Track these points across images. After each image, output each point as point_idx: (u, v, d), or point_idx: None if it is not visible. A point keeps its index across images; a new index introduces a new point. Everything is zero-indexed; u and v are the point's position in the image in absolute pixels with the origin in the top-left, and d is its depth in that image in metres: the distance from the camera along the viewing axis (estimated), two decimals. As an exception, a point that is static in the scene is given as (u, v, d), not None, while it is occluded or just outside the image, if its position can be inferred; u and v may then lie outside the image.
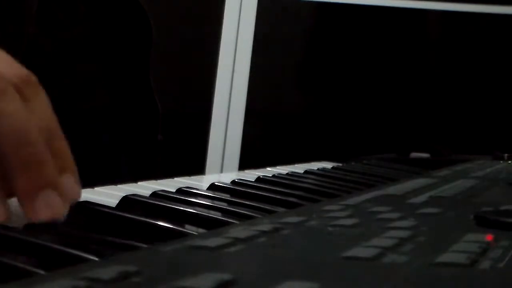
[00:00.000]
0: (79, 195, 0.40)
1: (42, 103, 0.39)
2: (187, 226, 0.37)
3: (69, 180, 0.39)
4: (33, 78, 0.40)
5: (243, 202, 0.45)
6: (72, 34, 0.69)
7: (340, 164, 0.82)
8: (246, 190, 0.51)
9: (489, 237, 0.29)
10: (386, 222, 0.34)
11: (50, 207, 0.36)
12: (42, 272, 0.26)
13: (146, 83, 0.76)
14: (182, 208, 0.40)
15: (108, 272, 0.21)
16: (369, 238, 0.29)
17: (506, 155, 0.93)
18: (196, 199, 0.45)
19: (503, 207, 0.40)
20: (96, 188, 0.46)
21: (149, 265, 0.24)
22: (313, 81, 1.97)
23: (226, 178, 0.56)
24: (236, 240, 0.28)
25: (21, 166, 0.36)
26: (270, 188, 0.53)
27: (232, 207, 0.43)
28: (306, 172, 0.68)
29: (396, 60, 1.89)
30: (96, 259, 0.28)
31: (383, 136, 1.81)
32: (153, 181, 0.52)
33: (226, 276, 0.21)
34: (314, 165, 0.77)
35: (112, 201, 0.42)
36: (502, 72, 1.81)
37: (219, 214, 0.40)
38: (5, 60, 0.40)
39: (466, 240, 0.29)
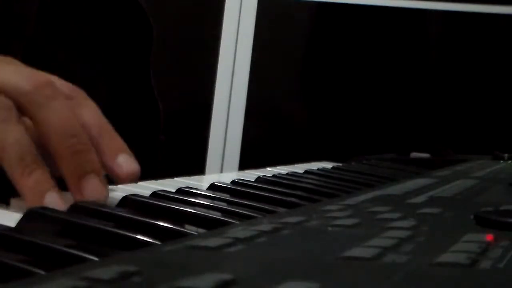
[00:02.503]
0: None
1: (91, 109, 0.45)
2: (187, 226, 0.36)
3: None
4: (81, 91, 0.46)
5: (243, 202, 0.45)
6: (73, 34, 0.69)
7: (340, 164, 0.82)
8: (246, 190, 0.51)
9: (489, 237, 0.29)
10: (386, 222, 0.34)
11: (95, 190, 0.42)
12: (42, 272, 0.26)
13: (147, 84, 0.76)
14: (182, 208, 0.40)
15: (108, 272, 0.21)
16: (369, 238, 0.29)
17: (506, 155, 0.93)
18: (196, 199, 0.45)
19: (503, 207, 0.40)
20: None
21: (149, 265, 0.24)
22: (313, 81, 1.97)
23: (226, 178, 0.56)
24: (236, 240, 0.28)
25: (68, 154, 0.42)
26: (270, 188, 0.53)
27: (232, 207, 0.43)
28: (306, 172, 0.68)
29: (396, 60, 1.89)
30: (96, 259, 0.28)
31: (383, 136, 1.81)
32: (153, 181, 0.52)
33: (226, 276, 0.21)
34: (314, 165, 0.77)
35: (112, 201, 0.42)
36: (502, 72, 1.81)
37: (219, 214, 0.40)
38: (55, 78, 0.46)
39: (466, 240, 0.29)
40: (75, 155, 0.42)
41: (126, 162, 0.45)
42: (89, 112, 0.45)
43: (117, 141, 0.46)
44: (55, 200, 0.40)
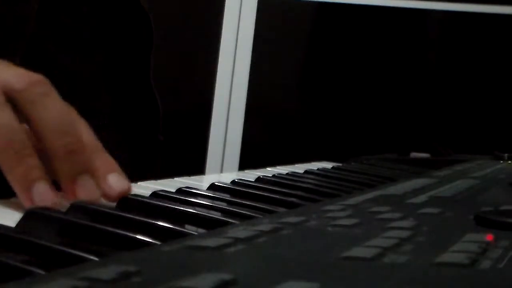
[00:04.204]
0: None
1: (53, 102, 0.43)
2: (187, 226, 0.36)
3: None
4: (42, 79, 0.43)
5: (243, 202, 0.45)
6: (73, 34, 0.69)
7: (340, 164, 0.82)
8: (246, 190, 0.51)
9: (489, 237, 0.29)
10: (386, 222, 0.34)
11: (87, 191, 0.41)
12: (42, 272, 0.26)
13: (147, 83, 0.76)
14: (182, 208, 0.40)
15: (108, 272, 0.21)
16: (369, 238, 0.29)
17: (506, 155, 0.93)
18: (196, 199, 0.45)
19: (503, 207, 0.40)
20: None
21: (149, 265, 0.24)
22: (313, 81, 1.97)
23: (226, 178, 0.56)
24: (236, 240, 0.28)
25: (62, 152, 0.41)
26: (270, 188, 0.53)
27: (232, 207, 0.43)
28: (306, 172, 0.68)
29: (396, 60, 1.89)
30: (96, 259, 0.28)
31: (383, 136, 1.81)
32: (153, 181, 0.52)
33: (226, 276, 0.21)
34: (314, 165, 0.77)
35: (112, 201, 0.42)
36: (502, 72, 1.81)
37: (219, 214, 0.40)
38: (13, 69, 0.44)
39: (466, 240, 0.29)
40: (69, 155, 0.41)
41: (116, 182, 0.44)
42: (53, 106, 0.43)
43: (107, 160, 0.45)
44: (43, 191, 0.39)
